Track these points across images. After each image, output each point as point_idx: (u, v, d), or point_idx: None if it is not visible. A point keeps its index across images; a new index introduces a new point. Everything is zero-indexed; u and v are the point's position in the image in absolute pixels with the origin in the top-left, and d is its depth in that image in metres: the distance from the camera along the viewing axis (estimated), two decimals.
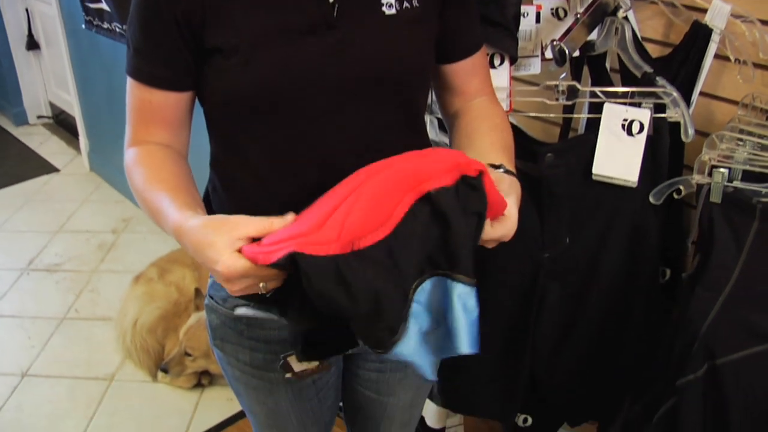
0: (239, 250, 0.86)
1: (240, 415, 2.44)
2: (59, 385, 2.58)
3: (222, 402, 2.51)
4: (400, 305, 0.90)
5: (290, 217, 0.90)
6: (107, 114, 3.69)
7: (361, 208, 0.87)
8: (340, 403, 1.46)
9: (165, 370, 2.51)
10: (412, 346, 0.91)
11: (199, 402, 2.53)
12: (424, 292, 0.92)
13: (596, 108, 1.53)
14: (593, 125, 1.61)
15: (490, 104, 1.20)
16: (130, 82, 1.06)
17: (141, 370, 2.64)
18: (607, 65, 1.58)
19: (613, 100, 1.42)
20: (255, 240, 0.88)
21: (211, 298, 1.24)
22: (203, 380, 2.59)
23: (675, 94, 1.36)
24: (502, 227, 0.98)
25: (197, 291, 2.61)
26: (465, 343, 0.91)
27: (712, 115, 1.55)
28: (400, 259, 0.89)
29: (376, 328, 0.88)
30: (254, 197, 1.09)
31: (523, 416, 1.88)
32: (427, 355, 0.94)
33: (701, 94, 1.48)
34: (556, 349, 1.70)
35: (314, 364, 1.18)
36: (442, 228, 0.90)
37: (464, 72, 1.18)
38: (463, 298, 0.91)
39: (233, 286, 0.89)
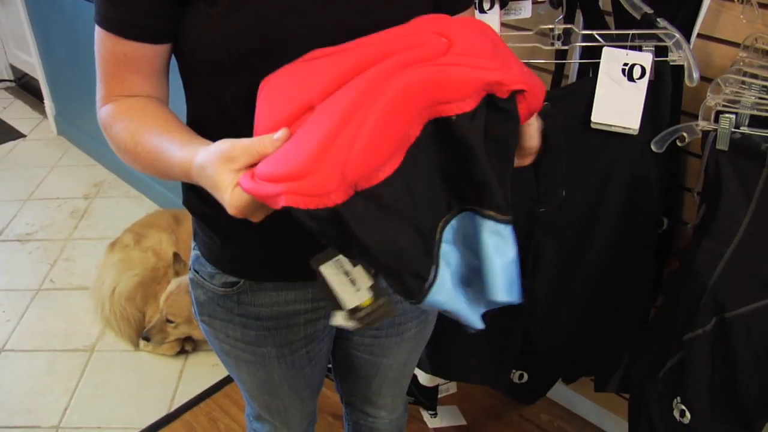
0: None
1: (226, 381, 2.39)
2: (38, 359, 2.50)
3: (207, 368, 2.46)
4: (423, 248, 0.78)
5: (282, 134, 0.78)
6: (72, 75, 3.55)
7: (366, 138, 0.72)
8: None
9: (147, 339, 2.44)
10: (447, 292, 0.79)
11: (183, 369, 2.47)
12: (452, 230, 0.81)
13: (589, 53, 1.46)
14: (585, 71, 1.55)
15: None
16: (100, 32, 0.95)
17: (122, 339, 2.57)
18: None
19: (611, 43, 1.35)
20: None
21: (197, 272, 1.16)
22: (186, 347, 2.54)
23: (678, 35, 1.29)
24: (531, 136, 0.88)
25: (176, 255, 2.53)
26: (501, 290, 0.79)
27: (710, 57, 1.49)
28: (416, 193, 0.77)
29: (402, 277, 0.77)
30: None
31: (518, 372, 1.85)
32: (468, 302, 0.82)
33: (697, 35, 1.42)
34: (552, 306, 1.66)
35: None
36: (465, 158, 0.77)
37: None
38: (496, 238, 0.79)
39: (255, 218, 0.81)
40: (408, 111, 0.76)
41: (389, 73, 0.77)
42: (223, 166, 0.79)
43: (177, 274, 2.51)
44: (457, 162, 0.78)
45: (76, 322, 2.68)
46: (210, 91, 0.99)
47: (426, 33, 0.84)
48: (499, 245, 0.79)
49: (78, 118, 3.77)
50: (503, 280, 0.80)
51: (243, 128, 0.99)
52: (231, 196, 0.77)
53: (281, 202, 0.71)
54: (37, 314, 2.71)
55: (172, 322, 2.40)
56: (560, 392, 2.23)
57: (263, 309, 1.14)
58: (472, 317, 0.83)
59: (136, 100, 0.98)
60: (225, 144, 0.81)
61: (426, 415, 2.18)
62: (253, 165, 0.78)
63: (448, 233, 0.81)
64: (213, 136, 1.02)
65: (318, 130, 0.74)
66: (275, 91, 0.84)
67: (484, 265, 0.80)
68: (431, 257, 0.78)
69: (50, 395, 2.35)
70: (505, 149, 0.80)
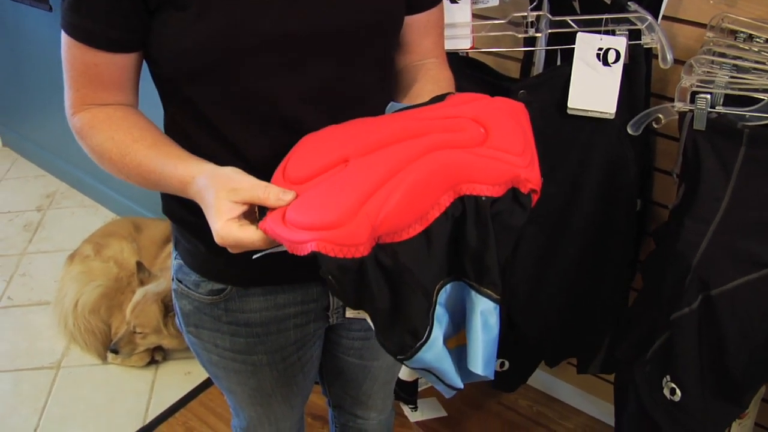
0: (262, 222, 0.83)
1: (201, 389, 2.35)
2: (2, 381, 2.41)
3: (180, 377, 2.41)
4: (425, 308, 0.83)
5: (290, 197, 0.83)
6: (16, 83, 3.43)
7: (398, 201, 0.79)
8: None
9: (115, 351, 2.38)
10: (436, 352, 0.84)
11: (155, 380, 2.42)
12: (445, 293, 0.86)
13: (554, 39, 1.46)
14: (552, 58, 1.54)
15: (438, 67, 1.11)
16: (67, 40, 0.91)
17: (88, 353, 2.50)
18: None
19: (585, 29, 1.35)
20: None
21: (180, 282, 1.13)
22: (157, 356, 2.48)
23: (650, 18, 1.30)
24: None
25: (139, 264, 2.47)
26: (481, 364, 0.84)
27: (675, 38, 1.50)
28: (430, 258, 0.83)
29: (398, 330, 0.82)
30: (221, 161, 0.97)
31: (499, 360, 1.85)
32: (452, 362, 0.86)
33: (662, 17, 1.42)
34: (533, 290, 1.66)
35: None
36: (479, 237, 0.83)
37: (418, 28, 1.08)
38: (486, 315, 0.84)
39: (233, 251, 0.85)
40: (442, 182, 0.82)
41: (429, 148, 0.84)
42: (224, 194, 0.84)
43: (141, 283, 2.44)
44: (470, 240, 0.84)
45: (39, 339, 2.59)
46: (187, 97, 0.97)
47: (465, 119, 0.89)
48: (488, 322, 0.85)
49: (24, 127, 3.64)
50: (485, 355, 0.84)
51: (221, 133, 0.97)
52: (221, 226, 0.82)
53: (310, 248, 0.75)
54: None
55: (140, 332, 2.34)
56: (537, 377, 2.24)
57: (252, 315, 1.12)
58: (455, 377, 0.87)
59: (113, 110, 0.95)
60: (234, 174, 0.86)
61: (407, 410, 2.18)
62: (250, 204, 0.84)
63: (443, 296, 0.86)
64: (192, 142, 0.99)
65: (354, 185, 0.80)
66: (312, 145, 0.90)
67: (470, 338, 0.85)
68: (429, 318, 0.83)
69: (17, 417, 2.27)
70: (512, 238, 0.86)
